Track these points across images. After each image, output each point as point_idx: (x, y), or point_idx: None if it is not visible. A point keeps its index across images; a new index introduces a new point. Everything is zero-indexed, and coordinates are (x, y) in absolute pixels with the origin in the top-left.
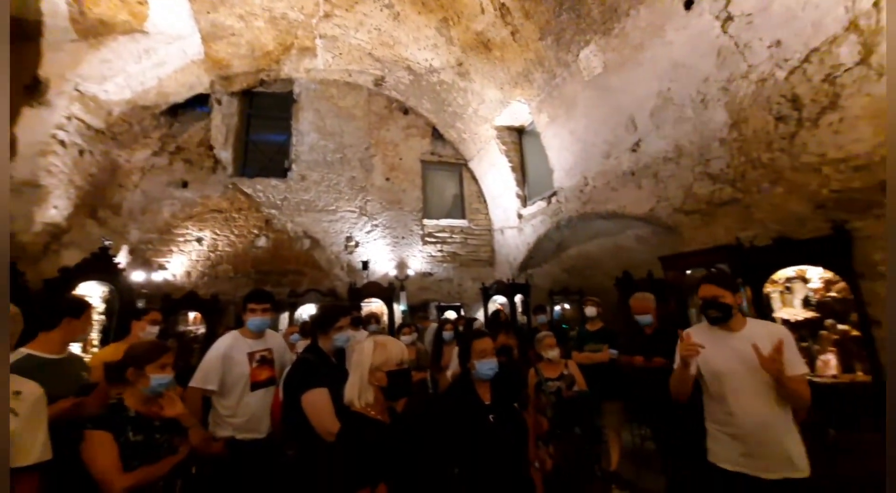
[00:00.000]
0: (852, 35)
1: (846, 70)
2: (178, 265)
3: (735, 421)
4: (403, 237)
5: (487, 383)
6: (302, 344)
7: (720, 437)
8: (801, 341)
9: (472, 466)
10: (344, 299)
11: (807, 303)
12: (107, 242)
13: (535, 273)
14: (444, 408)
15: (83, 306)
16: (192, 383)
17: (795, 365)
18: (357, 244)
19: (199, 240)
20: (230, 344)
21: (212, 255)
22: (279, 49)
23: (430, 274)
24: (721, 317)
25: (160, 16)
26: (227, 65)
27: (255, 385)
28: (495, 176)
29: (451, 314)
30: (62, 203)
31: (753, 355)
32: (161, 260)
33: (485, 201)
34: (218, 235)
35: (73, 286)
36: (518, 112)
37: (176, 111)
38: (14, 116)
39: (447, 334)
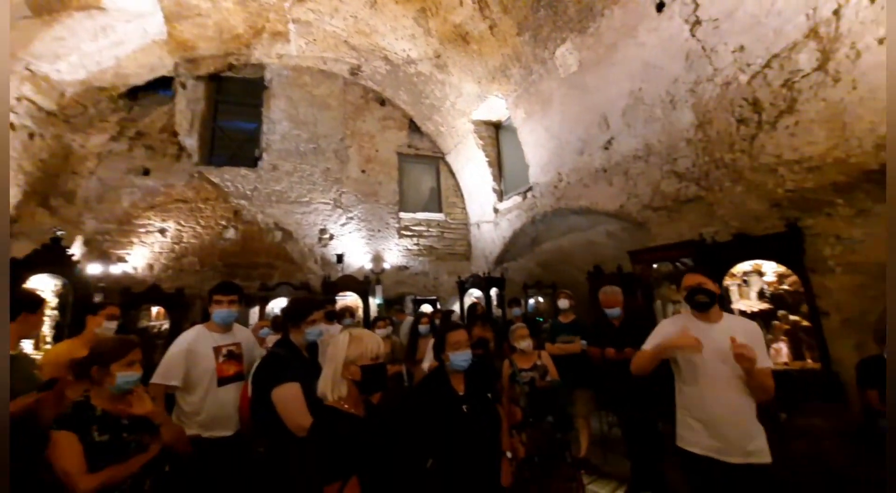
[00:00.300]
0: (812, 42)
1: (804, 76)
2: (139, 258)
3: (707, 408)
4: (379, 230)
5: (462, 374)
6: (272, 339)
7: (691, 423)
8: None
9: (446, 456)
10: (318, 293)
11: (762, 295)
12: (59, 233)
13: (510, 267)
14: (418, 399)
15: (39, 301)
16: (154, 380)
17: (763, 359)
18: (331, 237)
19: (162, 231)
20: (194, 338)
21: (176, 247)
22: (249, 32)
23: (406, 268)
24: (708, 302)
25: None
26: (192, 47)
27: (222, 381)
28: (472, 170)
29: (427, 308)
30: (10, 190)
31: (729, 346)
32: (120, 252)
33: (462, 195)
34: (183, 226)
35: (23, 280)
36: (495, 107)
37: (136, 94)
38: None
39: (423, 328)
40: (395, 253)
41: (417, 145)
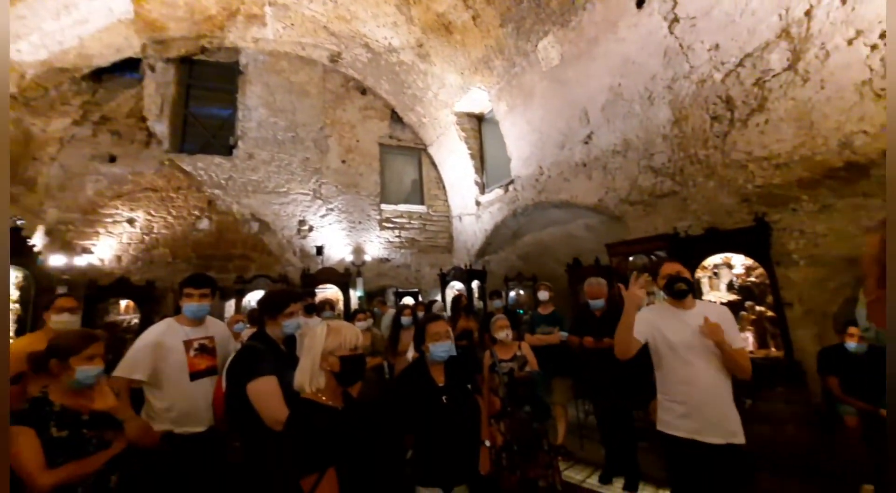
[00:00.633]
0: (783, 42)
1: (774, 75)
2: (105, 249)
3: (687, 390)
4: (360, 222)
5: (442, 365)
6: (248, 333)
7: (673, 407)
8: None
9: (426, 445)
10: (297, 286)
11: (731, 287)
12: (19, 222)
13: (491, 260)
14: (398, 390)
15: None
16: (116, 373)
17: (736, 340)
18: (311, 229)
19: (130, 221)
20: (163, 331)
21: (146, 238)
22: (223, 14)
23: (387, 260)
24: (686, 290)
25: None
26: (161, 27)
27: (195, 375)
28: (454, 162)
29: (408, 300)
30: None
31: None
32: (85, 243)
33: (444, 187)
34: (153, 216)
35: None
36: (478, 99)
37: (100, 76)
38: None
39: (406, 319)
40: (376, 245)
41: (399, 136)
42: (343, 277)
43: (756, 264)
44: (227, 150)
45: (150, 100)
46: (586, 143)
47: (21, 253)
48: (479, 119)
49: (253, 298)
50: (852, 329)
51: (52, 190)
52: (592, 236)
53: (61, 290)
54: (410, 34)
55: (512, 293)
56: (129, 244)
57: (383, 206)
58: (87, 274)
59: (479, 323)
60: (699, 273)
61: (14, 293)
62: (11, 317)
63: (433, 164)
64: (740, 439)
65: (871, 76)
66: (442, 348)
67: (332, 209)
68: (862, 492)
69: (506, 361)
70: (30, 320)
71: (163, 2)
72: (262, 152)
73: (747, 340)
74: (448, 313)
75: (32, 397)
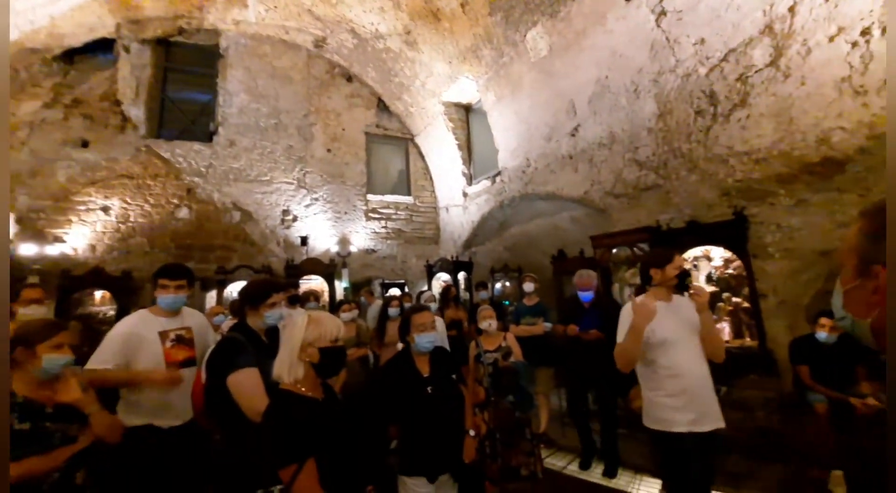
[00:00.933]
0: (766, 38)
1: (757, 71)
2: (79, 238)
3: (681, 382)
4: (346, 212)
5: (427, 356)
6: (228, 325)
7: (666, 401)
8: None
9: (411, 435)
10: (280, 277)
11: (710, 279)
12: None
13: (478, 251)
14: (383, 381)
15: None
16: (88, 365)
17: (713, 322)
18: (295, 218)
19: (105, 209)
20: (137, 322)
21: (122, 226)
22: None
23: (373, 251)
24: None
25: None
26: (136, 6)
27: (172, 367)
28: (442, 153)
29: (395, 292)
30: None
31: (688, 319)
32: (57, 231)
33: (431, 178)
34: (129, 204)
35: None
36: (466, 89)
37: (72, 57)
38: None
39: (393, 310)
40: (362, 236)
41: (386, 125)
42: (328, 268)
43: (734, 257)
44: (208, 136)
45: (125, 83)
46: (573, 135)
47: None
48: (467, 109)
49: (235, 289)
50: (823, 320)
51: (22, 176)
52: (577, 228)
53: (32, 280)
54: (398, 20)
55: (498, 285)
56: (104, 233)
57: (369, 196)
58: (60, 264)
59: (468, 314)
60: None
61: None
62: None
63: (420, 154)
64: (722, 423)
65: (851, 73)
66: (427, 338)
67: (316, 199)
68: (831, 478)
69: (491, 351)
70: None
71: None
72: (244, 139)
73: (723, 330)
74: (437, 303)
75: None
